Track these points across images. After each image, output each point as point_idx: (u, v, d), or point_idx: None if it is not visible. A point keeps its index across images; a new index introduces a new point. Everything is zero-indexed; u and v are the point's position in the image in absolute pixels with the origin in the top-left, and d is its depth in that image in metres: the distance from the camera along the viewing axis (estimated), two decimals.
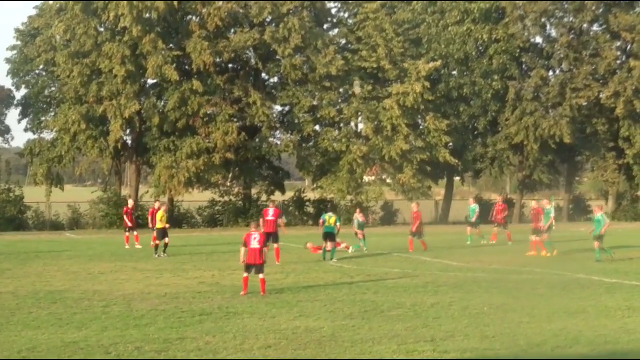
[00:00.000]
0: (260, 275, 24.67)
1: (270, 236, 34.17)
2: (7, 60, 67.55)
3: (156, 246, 38.18)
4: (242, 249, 24.79)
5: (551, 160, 69.47)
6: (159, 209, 39.64)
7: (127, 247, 42.61)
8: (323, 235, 36.28)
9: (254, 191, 67.52)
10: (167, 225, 39.09)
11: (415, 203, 44.17)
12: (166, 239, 38.35)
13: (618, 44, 69.31)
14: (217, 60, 62.24)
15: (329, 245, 35.99)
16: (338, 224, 36.72)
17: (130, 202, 46.85)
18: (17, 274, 31.00)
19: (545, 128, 65.34)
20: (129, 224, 43.77)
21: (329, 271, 31.25)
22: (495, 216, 45.45)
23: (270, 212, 35.55)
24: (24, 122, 68.49)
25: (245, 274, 24.73)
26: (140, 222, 47.66)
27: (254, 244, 24.57)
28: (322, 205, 61.56)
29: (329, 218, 36.33)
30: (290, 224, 64.75)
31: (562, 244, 39.57)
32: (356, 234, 41.02)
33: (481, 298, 23.55)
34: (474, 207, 46.80)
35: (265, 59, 64.16)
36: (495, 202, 48.31)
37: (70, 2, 61.32)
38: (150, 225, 40.30)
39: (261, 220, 35.14)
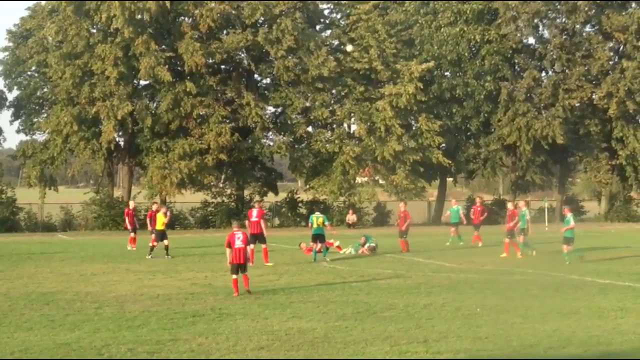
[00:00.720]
0: (245, 273, 24.74)
1: (257, 238, 34.16)
2: None
3: (152, 247, 38.12)
4: (228, 250, 24.83)
5: (544, 161, 69.45)
6: (157, 210, 39.61)
7: (128, 248, 42.45)
8: (312, 237, 36.19)
9: (246, 192, 67.52)
10: (168, 212, 39.54)
11: (403, 203, 44.11)
12: (165, 241, 38.23)
13: (611, 44, 69.37)
14: (210, 61, 62.22)
15: (318, 245, 35.94)
16: (327, 223, 36.56)
17: (132, 204, 46.76)
18: (10, 275, 30.93)
19: (538, 129, 65.36)
20: (129, 226, 43.64)
21: (322, 272, 31.22)
22: (477, 218, 45.03)
23: (255, 213, 35.38)
24: (16, 123, 68.40)
25: (234, 276, 24.72)
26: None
27: (238, 243, 24.63)
28: (315, 207, 61.61)
29: (317, 219, 36.17)
30: (283, 225, 64.94)
31: (555, 245, 39.54)
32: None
33: (474, 299, 23.53)
34: (457, 208, 46.88)
35: (258, 60, 64.16)
36: (475, 203, 48.07)
37: (63, 3, 61.27)
38: (149, 228, 40.19)
39: (247, 222, 35.11)
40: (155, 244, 38.26)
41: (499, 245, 38.74)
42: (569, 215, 35.40)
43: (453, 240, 44.54)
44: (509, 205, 40.38)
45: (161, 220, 38.53)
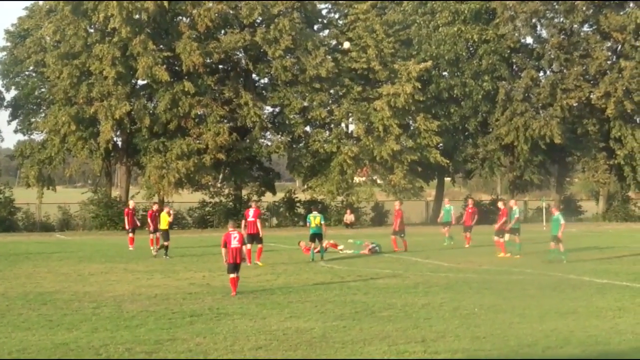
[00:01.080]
0: (237, 274, 24.80)
1: (253, 238, 34.11)
2: None
3: (162, 246, 38.07)
4: (223, 250, 24.87)
5: (542, 160, 69.45)
6: (160, 210, 39.54)
7: (130, 248, 42.37)
8: (310, 237, 36.18)
9: (244, 192, 67.44)
10: (172, 211, 39.60)
11: (398, 202, 44.08)
12: (167, 242, 38.20)
13: (609, 44, 69.43)
14: (208, 61, 62.18)
15: (317, 246, 35.93)
16: (323, 223, 36.50)
17: (131, 203, 46.69)
18: (7, 275, 30.90)
19: (536, 129, 65.34)
20: (127, 226, 43.54)
21: (319, 272, 31.20)
22: (468, 220, 44.78)
23: (251, 213, 35.31)
24: (14, 123, 68.40)
25: (231, 276, 24.77)
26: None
27: (234, 243, 24.68)
28: (313, 206, 61.58)
29: (314, 219, 36.12)
30: (281, 224, 64.91)
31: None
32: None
33: (472, 299, 23.52)
34: (449, 207, 46.85)
35: (256, 60, 64.15)
36: (466, 205, 47.96)
37: (61, 3, 61.23)
38: (151, 228, 40.07)
39: (243, 222, 35.08)
40: (165, 242, 38.14)
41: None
42: (557, 214, 35.30)
43: (448, 240, 44.50)
44: (500, 205, 40.44)
45: (165, 220, 38.49)
